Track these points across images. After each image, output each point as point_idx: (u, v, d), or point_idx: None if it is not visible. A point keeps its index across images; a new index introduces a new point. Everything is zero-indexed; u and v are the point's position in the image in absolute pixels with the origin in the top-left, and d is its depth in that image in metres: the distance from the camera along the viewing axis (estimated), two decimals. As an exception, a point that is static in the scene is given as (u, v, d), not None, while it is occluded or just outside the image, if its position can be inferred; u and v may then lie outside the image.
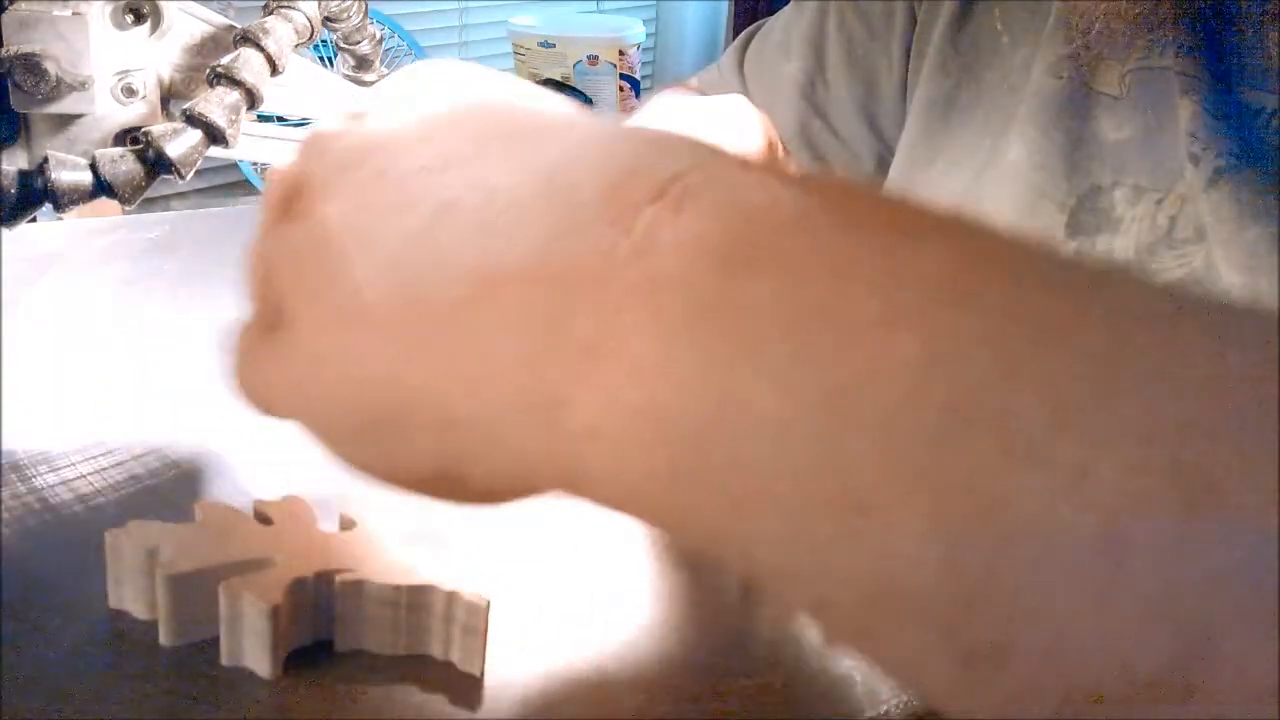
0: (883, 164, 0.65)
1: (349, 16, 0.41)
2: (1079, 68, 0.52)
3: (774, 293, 0.17)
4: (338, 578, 0.29)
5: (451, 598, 0.29)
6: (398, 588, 0.29)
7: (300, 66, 0.39)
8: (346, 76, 0.43)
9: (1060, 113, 0.53)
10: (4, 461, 0.38)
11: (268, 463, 0.39)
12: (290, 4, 0.37)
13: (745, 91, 0.73)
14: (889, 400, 0.16)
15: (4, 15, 0.33)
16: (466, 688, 0.29)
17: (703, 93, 0.77)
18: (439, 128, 0.24)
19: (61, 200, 0.34)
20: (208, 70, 0.35)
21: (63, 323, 0.50)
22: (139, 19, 0.36)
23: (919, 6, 0.61)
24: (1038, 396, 0.16)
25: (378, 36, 0.43)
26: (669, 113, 0.68)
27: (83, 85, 0.35)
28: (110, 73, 0.36)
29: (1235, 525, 0.14)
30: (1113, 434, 0.15)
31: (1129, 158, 0.51)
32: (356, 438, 0.23)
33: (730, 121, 0.67)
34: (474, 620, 0.29)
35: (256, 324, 0.25)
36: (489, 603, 0.29)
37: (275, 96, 0.38)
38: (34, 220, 0.40)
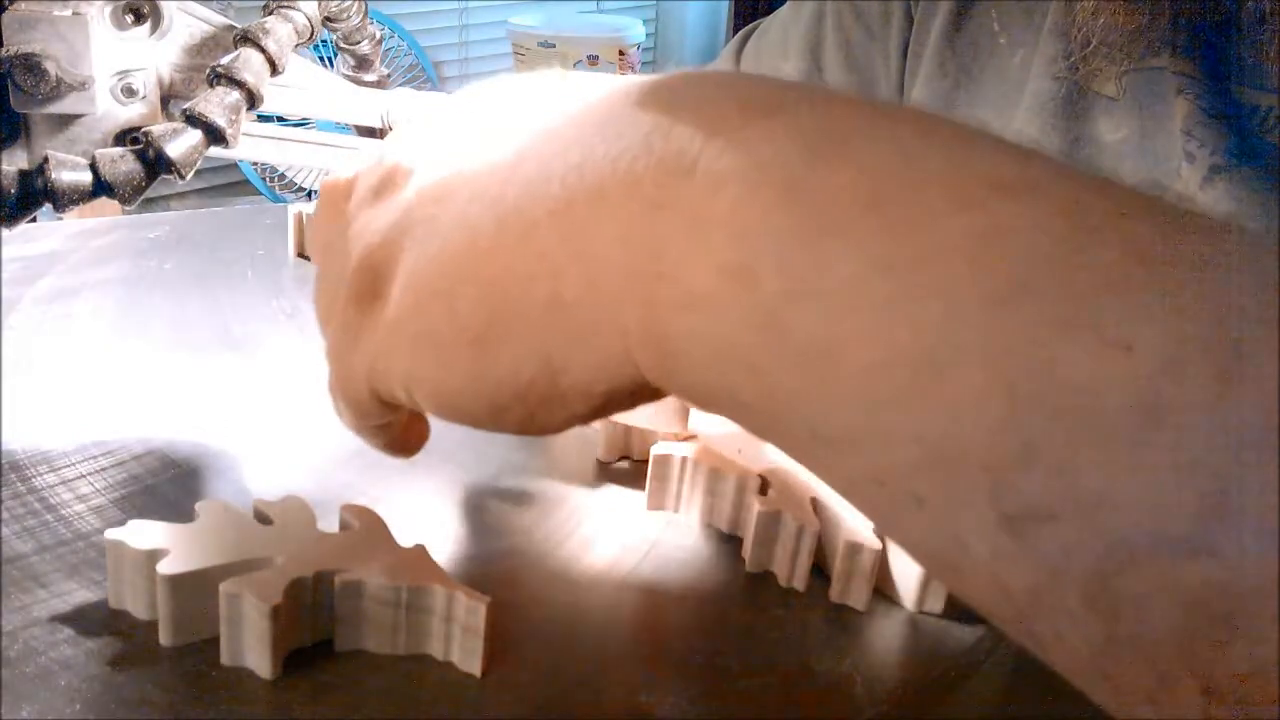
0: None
1: (349, 16, 0.41)
2: (1076, 70, 0.52)
3: (856, 178, 0.19)
4: (338, 578, 0.29)
5: (451, 598, 0.29)
6: (398, 588, 0.29)
7: (300, 66, 0.39)
8: (346, 76, 0.43)
9: (1058, 114, 0.53)
10: (4, 461, 0.38)
11: (268, 463, 0.39)
12: (290, 4, 0.37)
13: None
14: (956, 269, 0.18)
15: (4, 15, 0.33)
16: (466, 688, 0.29)
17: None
18: (510, 106, 0.27)
19: (61, 200, 0.34)
20: (208, 70, 0.35)
21: (62, 323, 0.50)
22: (139, 19, 0.36)
23: (916, 7, 0.61)
24: (1087, 273, 0.17)
25: (378, 36, 0.43)
26: None
27: (83, 85, 0.35)
28: (110, 73, 0.36)
29: (1262, 392, 0.15)
30: (1154, 309, 0.16)
31: (1126, 158, 0.51)
32: (464, 356, 0.24)
33: None
34: (474, 620, 0.29)
35: (353, 302, 0.27)
36: (489, 603, 0.29)
37: (275, 96, 0.38)
38: (34, 220, 0.40)
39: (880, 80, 0.64)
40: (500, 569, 0.35)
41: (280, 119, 0.54)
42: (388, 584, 0.29)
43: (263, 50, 0.35)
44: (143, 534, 0.30)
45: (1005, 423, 0.17)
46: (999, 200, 0.18)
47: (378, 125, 0.42)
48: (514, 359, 0.24)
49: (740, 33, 0.75)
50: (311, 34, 0.38)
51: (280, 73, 0.36)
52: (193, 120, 0.34)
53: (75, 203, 0.34)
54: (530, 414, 0.24)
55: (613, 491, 0.39)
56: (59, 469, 0.38)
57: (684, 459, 0.38)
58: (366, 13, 0.42)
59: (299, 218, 0.60)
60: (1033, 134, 0.54)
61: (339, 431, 0.30)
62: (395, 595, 0.29)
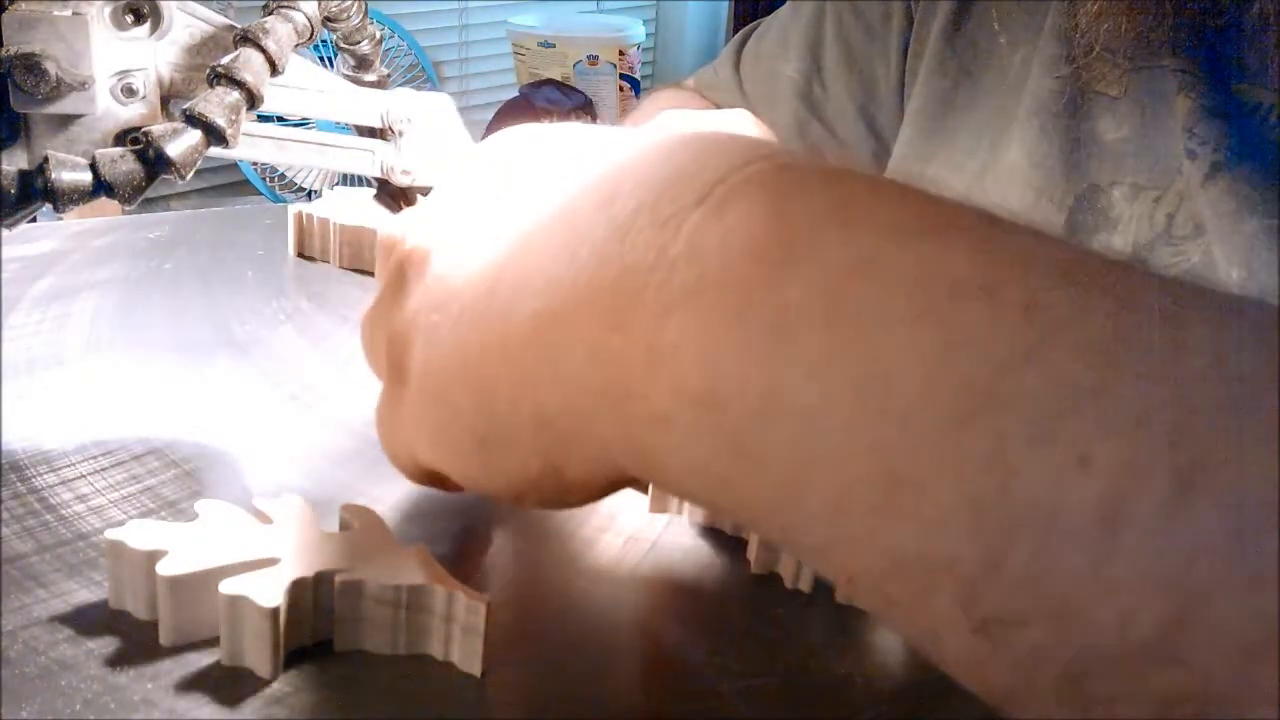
0: (880, 165, 0.65)
1: (349, 16, 0.41)
2: (1079, 74, 0.52)
3: (808, 291, 0.19)
4: (338, 578, 0.29)
5: (451, 598, 0.29)
6: (398, 588, 0.29)
7: (300, 66, 0.39)
8: (346, 76, 0.43)
9: (1059, 113, 0.53)
10: (4, 461, 0.38)
11: (268, 463, 0.39)
12: (290, 4, 0.37)
13: (741, 92, 0.73)
14: (912, 388, 0.18)
15: (4, 15, 0.33)
16: (466, 688, 0.29)
17: (699, 93, 0.77)
18: (521, 178, 0.28)
19: (61, 200, 0.34)
20: (208, 70, 0.35)
21: (62, 323, 0.50)
22: (139, 19, 0.36)
23: (916, 7, 0.61)
24: (1046, 381, 0.17)
25: (378, 36, 0.43)
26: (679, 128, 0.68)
27: (83, 85, 0.35)
28: (110, 73, 0.36)
29: (1223, 499, 0.16)
30: (1112, 419, 0.17)
31: (1127, 156, 0.51)
32: (475, 456, 0.26)
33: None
34: (474, 620, 0.29)
35: (388, 388, 0.29)
36: (489, 602, 0.29)
37: (275, 96, 0.38)
38: (34, 220, 0.40)
39: (880, 80, 0.64)
40: (500, 569, 0.35)
41: (280, 119, 0.54)
42: (388, 584, 0.29)
43: (263, 50, 0.35)
44: (143, 534, 0.30)
45: (972, 535, 0.17)
46: (958, 307, 0.18)
47: (378, 125, 0.42)
48: (520, 459, 0.25)
49: (740, 33, 0.75)
50: (311, 34, 0.38)
51: (280, 73, 0.36)
52: (193, 120, 0.34)
53: (75, 203, 0.34)
54: (546, 499, 0.26)
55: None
56: (59, 469, 0.38)
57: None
58: (366, 13, 0.42)
59: (299, 218, 0.60)
60: (1033, 134, 0.54)
61: (339, 431, 0.30)
62: (395, 595, 0.29)
